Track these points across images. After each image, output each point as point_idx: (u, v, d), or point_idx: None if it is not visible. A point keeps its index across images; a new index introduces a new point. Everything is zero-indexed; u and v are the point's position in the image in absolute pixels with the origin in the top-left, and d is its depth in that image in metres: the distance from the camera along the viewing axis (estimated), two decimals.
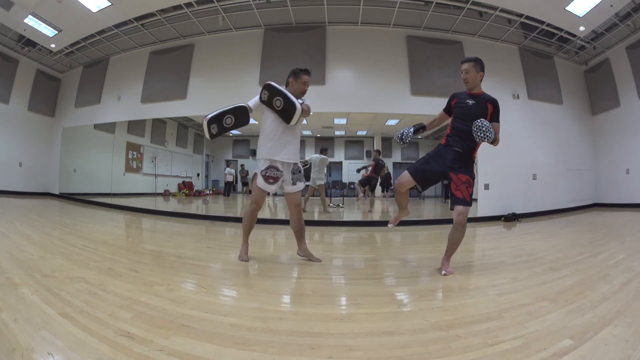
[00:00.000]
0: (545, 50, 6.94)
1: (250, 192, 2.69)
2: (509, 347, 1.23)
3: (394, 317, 1.57)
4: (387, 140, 11.14)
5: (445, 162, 2.35)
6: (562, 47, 6.88)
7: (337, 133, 11.44)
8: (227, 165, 11.27)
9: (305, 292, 2.01)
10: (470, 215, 2.41)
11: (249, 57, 6.37)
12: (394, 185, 2.57)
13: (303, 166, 7.12)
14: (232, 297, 1.92)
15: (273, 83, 2.37)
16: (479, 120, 2.19)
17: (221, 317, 1.50)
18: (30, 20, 6.35)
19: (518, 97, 6.49)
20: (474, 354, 1.19)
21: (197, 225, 5.04)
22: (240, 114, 2.47)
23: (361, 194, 7.06)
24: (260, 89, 2.45)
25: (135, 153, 8.93)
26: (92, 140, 8.59)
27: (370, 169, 7.15)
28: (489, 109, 2.33)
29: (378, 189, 7.90)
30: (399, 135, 2.53)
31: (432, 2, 5.69)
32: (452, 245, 2.37)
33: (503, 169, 6.13)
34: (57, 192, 8.54)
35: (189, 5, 5.97)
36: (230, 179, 10.84)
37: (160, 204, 8.43)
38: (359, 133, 11.32)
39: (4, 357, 1.09)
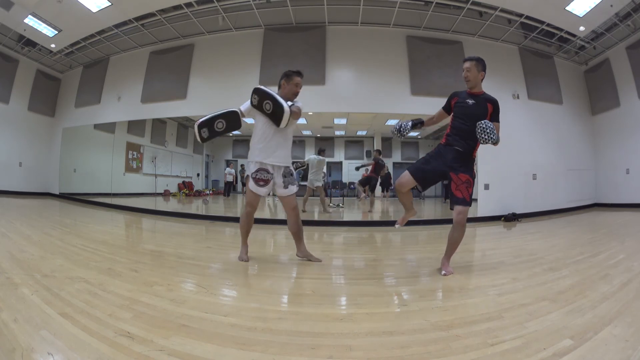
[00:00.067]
0: (545, 50, 6.94)
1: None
2: (509, 347, 1.23)
3: (394, 317, 1.57)
4: (387, 140, 11.15)
5: (445, 162, 2.35)
6: (562, 47, 6.87)
7: (337, 133, 11.45)
8: (227, 165, 11.27)
9: (305, 292, 2.01)
10: (470, 215, 2.41)
11: (249, 57, 6.37)
12: (394, 185, 2.56)
13: (300, 166, 7.15)
14: (232, 297, 1.92)
15: (262, 87, 2.39)
16: (482, 122, 2.18)
17: (221, 317, 1.50)
18: (30, 20, 6.35)
19: (518, 97, 6.49)
20: (474, 354, 1.19)
21: (197, 225, 5.04)
22: (232, 119, 2.49)
23: (363, 194, 7.05)
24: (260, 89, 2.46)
25: (135, 153, 8.94)
26: (92, 140, 8.60)
27: (370, 168, 7.15)
28: (489, 109, 2.33)
29: (378, 189, 7.90)
30: (397, 127, 2.52)
31: (432, 2, 5.68)
32: (452, 245, 2.37)
33: (503, 169, 6.13)
34: (57, 192, 8.54)
35: (189, 5, 5.97)
36: (230, 179, 10.84)
37: (160, 204, 8.43)
38: (359, 133, 11.32)
39: (4, 357, 1.09)
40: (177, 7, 6.06)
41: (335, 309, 1.73)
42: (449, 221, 2.45)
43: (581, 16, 5.67)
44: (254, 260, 2.69)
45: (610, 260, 2.68)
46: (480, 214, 5.94)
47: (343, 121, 9.50)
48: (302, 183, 6.84)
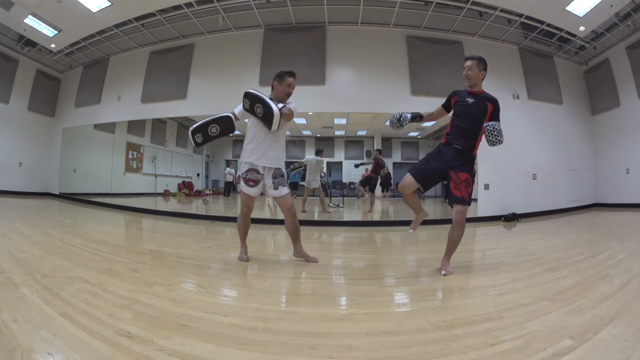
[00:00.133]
0: (545, 50, 6.94)
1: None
2: (509, 347, 1.23)
3: (394, 317, 1.57)
4: (387, 140, 11.14)
5: (445, 161, 2.35)
6: (562, 47, 6.87)
7: (337, 133, 11.43)
8: (227, 165, 11.26)
9: (305, 292, 2.01)
10: (470, 215, 2.42)
11: (249, 57, 6.37)
12: (398, 189, 2.54)
13: (299, 167, 7.12)
14: (232, 297, 1.92)
15: (252, 90, 2.39)
16: (490, 125, 2.18)
17: (221, 317, 1.50)
18: (30, 20, 6.35)
19: (518, 97, 6.49)
20: (474, 354, 1.19)
21: (197, 225, 5.04)
22: (225, 123, 2.52)
23: (367, 194, 7.04)
24: (260, 89, 2.47)
25: (135, 153, 8.93)
26: (92, 140, 8.59)
27: (370, 168, 7.15)
28: (489, 108, 2.33)
29: (378, 189, 7.90)
30: (397, 117, 2.51)
31: (432, 2, 5.68)
32: (452, 244, 2.37)
33: (503, 169, 6.13)
34: (57, 192, 8.54)
35: (189, 5, 5.97)
36: (230, 179, 10.83)
37: (160, 204, 8.43)
38: (359, 133, 11.31)
39: (4, 357, 1.09)
40: (177, 7, 6.05)
41: (335, 309, 1.73)
42: (448, 221, 2.45)
43: (581, 16, 5.67)
44: (254, 260, 2.69)
45: (610, 260, 2.68)
46: (480, 214, 5.94)
47: (343, 121, 9.49)
48: (302, 183, 6.86)
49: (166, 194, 9.97)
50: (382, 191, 9.27)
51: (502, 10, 5.77)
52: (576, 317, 1.50)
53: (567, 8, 5.50)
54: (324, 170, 8.80)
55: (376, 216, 6.55)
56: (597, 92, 7.32)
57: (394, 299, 1.90)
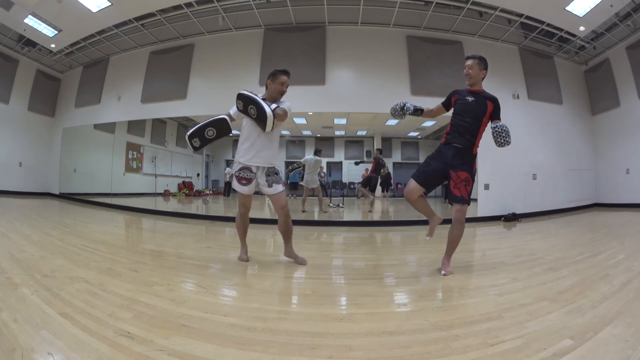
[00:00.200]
0: (545, 50, 6.94)
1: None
2: (509, 347, 1.23)
3: (394, 317, 1.57)
4: (387, 140, 11.14)
5: (446, 160, 2.35)
6: (562, 47, 6.87)
7: (337, 133, 11.43)
8: (227, 165, 11.27)
9: (305, 292, 2.01)
10: (470, 215, 2.42)
11: (249, 57, 6.37)
12: (404, 197, 2.48)
13: (297, 167, 7.09)
14: (232, 297, 1.92)
15: (245, 91, 2.38)
16: (498, 126, 2.18)
17: (221, 317, 1.50)
18: (30, 20, 6.35)
19: (518, 97, 6.49)
20: (474, 354, 1.19)
21: (197, 225, 5.04)
22: (221, 126, 2.52)
23: (371, 196, 7.04)
24: (259, 89, 2.47)
25: (135, 153, 8.93)
26: (92, 140, 8.59)
27: (370, 168, 7.16)
28: (489, 107, 2.33)
29: (378, 189, 7.91)
30: (400, 105, 2.50)
31: (432, 2, 5.68)
32: (452, 243, 2.37)
33: (503, 169, 6.13)
34: (57, 192, 8.54)
35: (189, 5, 5.97)
36: (230, 178, 10.83)
37: (160, 204, 8.43)
38: (359, 133, 11.31)
39: (4, 357, 1.09)
40: (177, 7, 6.05)
41: (335, 309, 1.73)
42: (448, 221, 2.45)
43: (581, 16, 5.67)
44: (254, 260, 2.69)
45: (610, 260, 2.68)
46: (480, 214, 5.94)
47: (343, 121, 9.49)
48: (302, 184, 6.86)
49: (166, 194, 9.98)
50: (382, 191, 9.28)
51: (502, 10, 5.77)
52: (576, 317, 1.50)
53: (567, 8, 5.50)
54: (324, 170, 8.80)
55: (376, 216, 6.55)
56: (597, 92, 7.32)
57: (394, 299, 1.90)
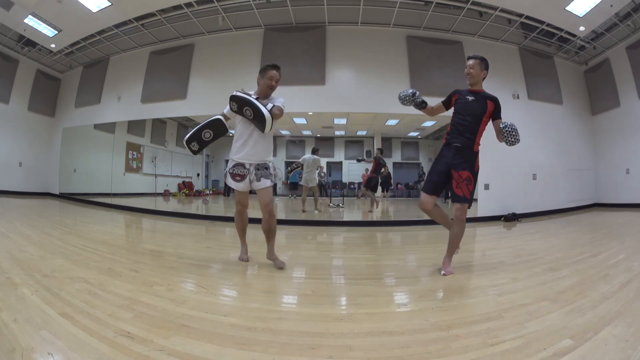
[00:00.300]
0: (545, 50, 6.94)
1: (250, 192, 2.69)
2: (509, 347, 1.23)
3: (394, 317, 1.57)
4: (387, 140, 11.14)
5: (447, 160, 2.37)
6: (562, 47, 6.87)
7: (337, 133, 11.44)
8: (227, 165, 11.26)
9: (305, 292, 2.01)
10: (470, 215, 2.42)
11: (249, 57, 6.37)
12: (420, 209, 2.47)
13: (296, 167, 7.08)
14: (232, 297, 1.92)
15: (238, 93, 2.35)
16: (508, 126, 2.20)
17: (221, 317, 1.50)
18: (30, 20, 6.34)
19: (518, 97, 6.49)
20: (474, 354, 1.19)
21: (197, 225, 5.04)
22: (218, 126, 2.51)
23: (376, 198, 7.05)
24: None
25: (135, 153, 8.93)
26: (92, 140, 8.59)
27: (370, 168, 7.16)
28: (489, 106, 2.34)
29: (378, 189, 7.91)
30: (411, 92, 2.49)
31: (432, 2, 5.68)
32: (453, 242, 2.38)
33: (503, 169, 6.13)
34: (57, 192, 8.54)
35: (189, 5, 5.97)
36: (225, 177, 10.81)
37: (160, 204, 8.43)
38: (359, 133, 11.31)
39: (4, 357, 1.09)
40: (177, 7, 6.05)
41: (335, 309, 1.73)
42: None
43: (581, 16, 5.67)
44: (254, 260, 2.68)
45: (610, 260, 2.68)
46: (480, 214, 5.94)
47: (343, 121, 9.50)
48: (301, 183, 6.86)
49: (166, 194, 9.98)
50: (382, 191, 9.28)
51: (502, 10, 5.77)
52: (576, 317, 1.50)
53: (567, 8, 5.50)
54: (324, 170, 8.80)
55: (376, 216, 6.55)
56: (597, 92, 7.31)
57: (394, 299, 1.90)
